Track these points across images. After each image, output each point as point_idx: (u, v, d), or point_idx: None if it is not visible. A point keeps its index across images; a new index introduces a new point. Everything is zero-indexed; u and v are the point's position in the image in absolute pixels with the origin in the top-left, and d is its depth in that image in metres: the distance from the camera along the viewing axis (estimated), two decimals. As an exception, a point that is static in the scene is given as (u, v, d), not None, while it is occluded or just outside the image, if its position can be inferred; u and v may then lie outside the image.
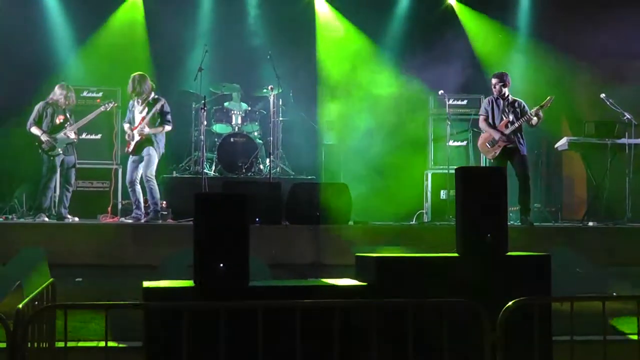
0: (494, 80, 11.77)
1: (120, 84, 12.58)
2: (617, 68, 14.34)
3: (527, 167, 11.62)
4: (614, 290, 7.27)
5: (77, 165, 11.79)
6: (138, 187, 11.42)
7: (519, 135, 11.59)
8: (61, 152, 11.39)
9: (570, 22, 14.39)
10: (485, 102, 12.01)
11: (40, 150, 11.38)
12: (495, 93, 11.74)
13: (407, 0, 15.34)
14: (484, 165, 12.65)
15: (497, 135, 11.57)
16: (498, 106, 11.72)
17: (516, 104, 11.70)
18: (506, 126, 11.55)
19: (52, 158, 11.36)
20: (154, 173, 11.43)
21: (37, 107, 11.53)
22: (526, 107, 11.68)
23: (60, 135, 11.39)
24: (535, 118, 11.41)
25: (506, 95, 11.71)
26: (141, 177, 11.43)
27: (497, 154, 11.65)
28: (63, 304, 4.90)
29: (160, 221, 11.36)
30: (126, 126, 11.57)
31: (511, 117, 11.55)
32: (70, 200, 11.63)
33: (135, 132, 11.37)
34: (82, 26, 14.18)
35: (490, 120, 11.74)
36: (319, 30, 15.10)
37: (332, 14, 15.37)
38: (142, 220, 11.29)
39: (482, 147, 11.92)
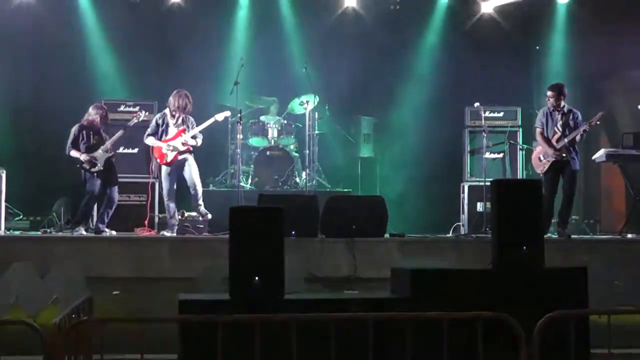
0: (549, 93, 11.60)
1: (157, 98, 12.69)
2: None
3: (575, 183, 11.50)
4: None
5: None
6: (174, 198, 11.70)
7: (571, 149, 11.47)
8: (102, 167, 11.48)
9: (607, 30, 14.23)
10: (540, 114, 11.83)
11: (82, 170, 11.50)
12: (549, 105, 11.64)
13: (443, 12, 15.25)
14: (520, 177, 12.54)
15: (550, 151, 11.43)
16: (552, 118, 11.57)
17: (571, 115, 11.55)
18: (557, 141, 11.42)
19: (94, 175, 11.48)
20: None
21: (73, 130, 11.63)
22: (580, 117, 11.54)
23: (99, 152, 11.51)
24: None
25: (562, 106, 11.61)
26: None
27: (545, 169, 11.54)
28: (100, 317, 4.94)
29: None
30: (152, 139, 11.75)
31: (564, 131, 11.40)
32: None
33: (173, 142, 11.54)
34: (118, 41, 14.29)
35: (545, 133, 11.62)
36: (356, 41, 15.03)
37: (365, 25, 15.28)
38: (176, 227, 11.56)
39: (535, 161, 11.84)
